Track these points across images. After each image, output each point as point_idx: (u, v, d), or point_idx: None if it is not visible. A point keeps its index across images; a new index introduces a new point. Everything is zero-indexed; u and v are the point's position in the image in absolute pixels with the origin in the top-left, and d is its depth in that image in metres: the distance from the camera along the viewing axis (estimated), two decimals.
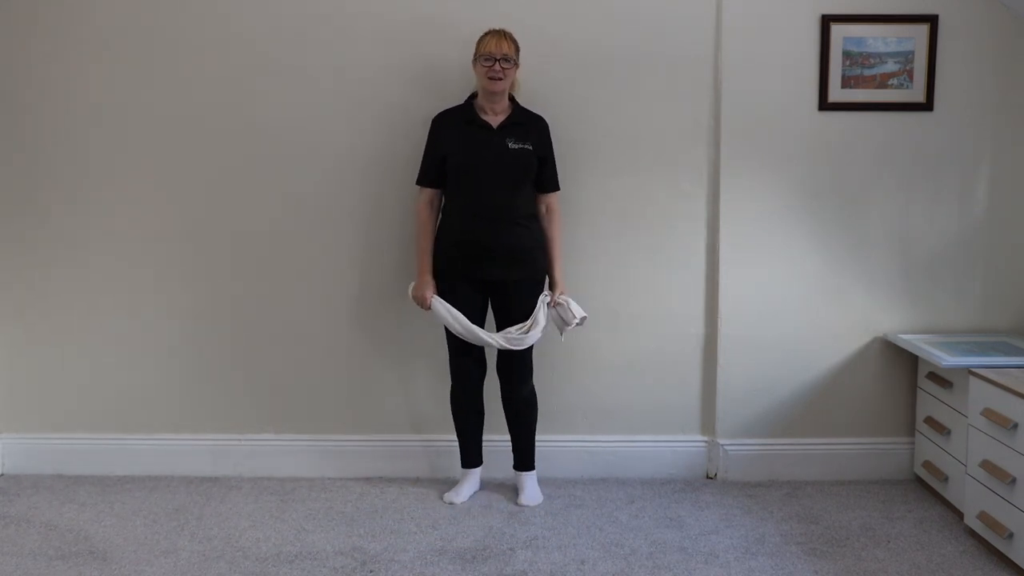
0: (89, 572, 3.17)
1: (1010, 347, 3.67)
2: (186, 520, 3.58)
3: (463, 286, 3.62)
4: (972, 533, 3.43)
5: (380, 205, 3.89)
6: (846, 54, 3.80)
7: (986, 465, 3.27)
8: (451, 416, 3.81)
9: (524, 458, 3.78)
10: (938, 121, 3.84)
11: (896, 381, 3.97)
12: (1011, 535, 3.15)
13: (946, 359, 3.49)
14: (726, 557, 3.29)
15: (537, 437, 3.84)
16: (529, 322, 3.61)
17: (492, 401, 3.81)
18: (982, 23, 3.80)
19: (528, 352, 3.68)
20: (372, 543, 3.39)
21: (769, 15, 3.81)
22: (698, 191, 3.90)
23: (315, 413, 4.01)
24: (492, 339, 3.59)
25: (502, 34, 3.54)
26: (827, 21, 3.79)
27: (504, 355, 3.69)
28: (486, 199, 3.55)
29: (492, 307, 3.70)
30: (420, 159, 3.67)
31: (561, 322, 3.69)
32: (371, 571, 3.19)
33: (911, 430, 3.98)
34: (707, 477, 4.02)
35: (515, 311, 3.63)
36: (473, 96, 3.64)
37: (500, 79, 3.52)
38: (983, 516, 3.29)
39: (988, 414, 3.26)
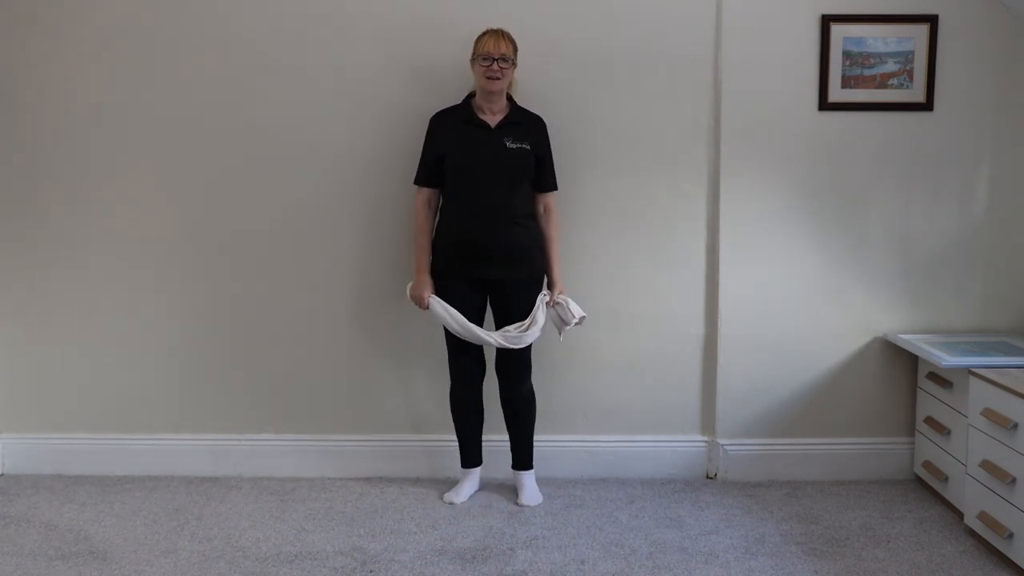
0: (89, 572, 3.17)
1: (1010, 347, 3.67)
2: (186, 520, 3.58)
3: (461, 285, 3.62)
4: (972, 533, 3.43)
5: (380, 205, 3.89)
6: (846, 54, 3.80)
7: (986, 465, 3.27)
8: (451, 416, 3.81)
9: (522, 457, 3.78)
10: (938, 121, 3.84)
11: (896, 381, 3.97)
12: (1011, 535, 3.15)
13: (946, 359, 3.49)
14: (726, 557, 3.29)
15: (537, 437, 3.84)
16: (528, 321, 3.61)
17: (491, 401, 3.81)
18: (982, 23, 3.80)
19: (527, 351, 3.68)
20: (372, 543, 3.39)
21: (769, 15, 3.81)
22: (698, 191, 3.90)
23: (315, 413, 4.01)
24: (491, 338, 3.59)
25: (500, 34, 3.54)
26: (827, 21, 3.79)
27: (503, 354, 3.69)
28: (484, 198, 3.55)
29: (491, 306, 3.70)
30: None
31: (560, 321, 3.69)
32: (371, 571, 3.19)
33: (911, 430, 3.98)
34: (707, 477, 4.02)
35: (514, 310, 3.63)
36: (471, 95, 3.65)
37: (498, 79, 3.52)
38: (983, 516, 3.29)
39: (988, 414, 3.26)
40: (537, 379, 3.80)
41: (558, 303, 3.66)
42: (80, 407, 4.01)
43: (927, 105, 3.83)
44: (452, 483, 3.88)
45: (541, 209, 3.70)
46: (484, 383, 3.78)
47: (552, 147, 3.70)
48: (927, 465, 3.81)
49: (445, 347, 3.75)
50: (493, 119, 3.60)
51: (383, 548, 3.35)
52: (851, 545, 3.39)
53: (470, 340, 3.62)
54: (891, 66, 3.81)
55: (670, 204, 3.90)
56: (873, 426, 3.99)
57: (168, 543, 3.38)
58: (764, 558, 3.28)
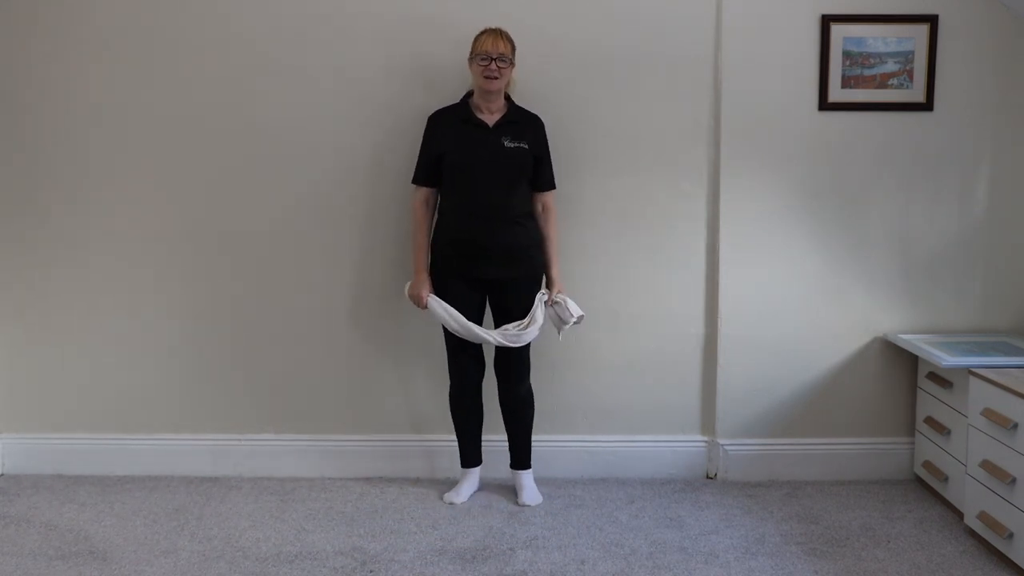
0: (89, 572, 3.17)
1: (1010, 347, 3.67)
2: (186, 520, 3.58)
3: (460, 285, 3.62)
4: (972, 533, 3.43)
5: (380, 205, 3.89)
6: (846, 54, 3.80)
7: (986, 465, 3.27)
8: (450, 416, 3.81)
9: (521, 457, 3.78)
10: (938, 121, 3.84)
11: (896, 381, 3.97)
12: (1011, 535, 3.15)
13: (946, 359, 3.49)
14: (726, 557, 3.29)
15: (537, 437, 3.84)
16: (527, 320, 3.61)
17: (491, 401, 3.81)
18: (982, 23, 3.80)
19: (525, 350, 3.68)
20: (372, 543, 3.39)
21: (769, 15, 3.81)
22: (698, 191, 3.90)
23: (315, 413, 4.01)
24: (489, 336, 3.59)
25: (498, 33, 3.54)
26: (827, 21, 3.79)
27: (502, 353, 3.69)
28: (482, 198, 3.55)
29: (490, 306, 3.70)
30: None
31: (559, 320, 3.69)
32: (371, 571, 3.19)
33: (911, 430, 3.98)
34: (707, 477, 4.02)
35: (513, 309, 3.63)
36: (469, 95, 3.65)
37: (496, 78, 3.52)
38: (983, 516, 3.29)
39: (988, 414, 3.26)
40: (537, 379, 3.80)
41: (556, 302, 3.66)
42: (80, 407, 4.01)
43: (927, 105, 3.83)
44: (452, 483, 3.88)
45: (539, 208, 3.70)
46: (484, 383, 3.78)
47: (552, 147, 3.70)
48: (927, 465, 3.80)
49: (444, 347, 3.75)
50: (491, 118, 3.60)
51: (383, 548, 3.35)
52: (851, 545, 3.39)
53: (469, 339, 3.62)
54: (891, 66, 3.81)
55: (670, 204, 3.90)
56: (873, 426, 3.99)
57: (168, 543, 3.38)
58: (764, 558, 3.28)
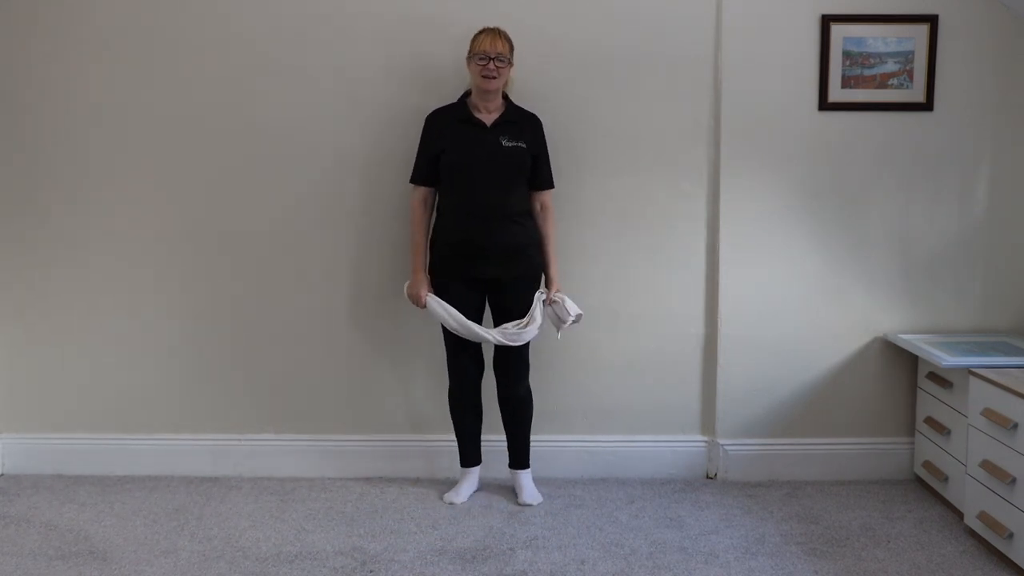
0: (89, 572, 3.17)
1: (1010, 347, 3.67)
2: (186, 520, 3.58)
3: (459, 285, 3.62)
4: (972, 533, 3.43)
5: (380, 205, 3.89)
6: (846, 54, 3.80)
7: (986, 465, 3.27)
8: (450, 416, 3.81)
9: (520, 456, 3.78)
10: (938, 121, 3.84)
11: (896, 381, 3.97)
12: (1011, 535, 3.14)
13: (946, 359, 3.49)
14: (726, 557, 3.29)
15: (537, 437, 3.84)
16: (526, 319, 3.61)
17: (490, 400, 3.81)
18: (982, 23, 3.80)
19: (525, 350, 3.68)
20: (372, 543, 3.39)
21: (769, 15, 3.81)
22: (698, 191, 3.90)
23: (315, 413, 4.01)
24: (488, 335, 3.59)
25: (496, 32, 3.54)
26: (827, 21, 3.79)
27: (501, 353, 3.69)
28: (480, 197, 3.55)
29: (489, 305, 3.70)
30: None
31: (557, 320, 3.69)
32: (371, 571, 3.19)
33: (911, 430, 3.98)
34: (707, 477, 4.01)
35: (512, 308, 3.63)
36: (467, 94, 3.65)
37: (494, 78, 3.52)
38: (983, 516, 3.29)
39: (988, 414, 3.26)
40: (536, 379, 3.80)
41: (555, 301, 3.66)
42: (80, 407, 4.01)
43: (927, 105, 3.83)
44: (452, 483, 3.88)
45: (538, 207, 3.70)
46: (483, 383, 3.78)
47: (552, 147, 3.70)
48: (927, 465, 3.80)
49: (444, 347, 3.75)
50: (489, 118, 3.60)
51: (383, 548, 3.35)
52: (851, 545, 3.39)
53: (468, 338, 3.62)
54: (891, 66, 3.81)
55: (670, 204, 3.90)
56: (873, 426, 3.99)
57: (168, 543, 3.38)
58: (764, 558, 3.28)
